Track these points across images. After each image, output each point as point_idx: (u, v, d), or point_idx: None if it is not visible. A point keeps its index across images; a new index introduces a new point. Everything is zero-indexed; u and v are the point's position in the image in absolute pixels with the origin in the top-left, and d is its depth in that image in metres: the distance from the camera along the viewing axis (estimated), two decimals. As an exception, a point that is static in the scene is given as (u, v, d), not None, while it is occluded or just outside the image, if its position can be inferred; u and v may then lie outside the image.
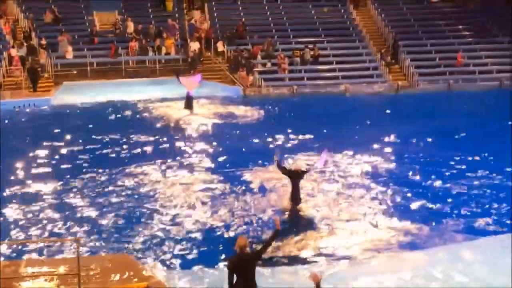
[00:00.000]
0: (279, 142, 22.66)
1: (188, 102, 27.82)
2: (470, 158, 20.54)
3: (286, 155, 20.09)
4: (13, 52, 33.52)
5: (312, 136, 23.39)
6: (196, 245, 14.36)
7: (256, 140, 23.27)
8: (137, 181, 18.66)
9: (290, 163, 19.27)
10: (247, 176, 18.99)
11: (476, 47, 36.99)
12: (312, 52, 35.54)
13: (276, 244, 13.83)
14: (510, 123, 24.96)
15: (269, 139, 23.29)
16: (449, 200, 17.00)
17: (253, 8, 39.40)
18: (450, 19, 38.96)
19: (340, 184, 18.19)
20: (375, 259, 13.71)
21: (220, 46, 35.69)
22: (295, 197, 16.48)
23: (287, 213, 16.21)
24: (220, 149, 22.09)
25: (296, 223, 15.65)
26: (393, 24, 38.44)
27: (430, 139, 23.06)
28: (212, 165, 20.08)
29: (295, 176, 16.61)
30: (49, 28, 36.14)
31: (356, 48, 37.03)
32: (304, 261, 13.55)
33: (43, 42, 34.42)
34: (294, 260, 13.60)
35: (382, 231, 15.01)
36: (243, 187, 17.94)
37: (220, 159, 20.79)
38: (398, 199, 17.07)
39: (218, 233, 15.02)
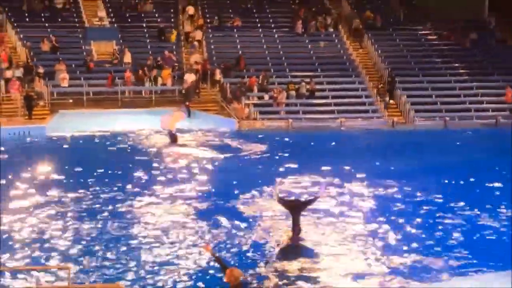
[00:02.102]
0: (274, 176, 22.71)
1: (171, 137, 28.56)
2: (465, 196, 20.62)
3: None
4: (8, 74, 33.76)
5: (306, 171, 23.45)
6: (190, 276, 14.38)
7: (248, 174, 23.35)
8: (129, 211, 18.72)
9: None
10: (241, 209, 19.10)
11: (472, 85, 37.33)
12: (308, 86, 35.84)
13: (277, 274, 14.02)
14: (506, 161, 25.12)
15: (262, 173, 23.40)
16: (443, 235, 17.10)
17: (250, 41, 39.81)
18: (446, 56, 39.40)
19: (336, 218, 18.28)
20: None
21: (217, 75, 35.99)
22: (295, 229, 16.65)
23: (287, 244, 16.35)
24: (211, 182, 22.18)
25: (297, 255, 15.73)
26: (389, 60, 38.85)
27: (425, 176, 23.17)
28: (204, 198, 20.13)
29: (295, 207, 16.79)
30: (46, 57, 36.47)
31: (352, 83, 37.35)
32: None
33: (40, 70, 34.68)
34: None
35: (383, 265, 15.10)
36: (237, 220, 18.01)
37: (211, 191, 20.87)
38: (394, 234, 17.15)
39: (212, 264, 15.04)
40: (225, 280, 9.84)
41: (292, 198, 18.42)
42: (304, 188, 20.83)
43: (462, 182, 22.34)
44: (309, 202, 17.70)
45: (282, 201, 17.59)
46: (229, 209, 19.07)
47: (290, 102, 35.55)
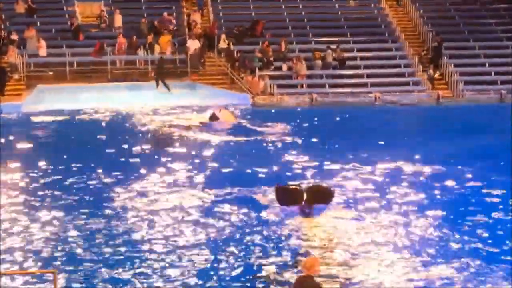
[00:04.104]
0: (293, 165, 22.79)
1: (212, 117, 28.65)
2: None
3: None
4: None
5: (333, 157, 23.50)
6: (199, 276, 14.57)
7: (264, 160, 23.41)
8: (125, 204, 18.85)
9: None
10: (255, 200, 19.26)
11: (534, 51, 37.18)
12: (335, 54, 35.79)
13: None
14: None
15: (280, 158, 23.49)
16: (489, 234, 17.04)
17: (265, 1, 39.78)
18: (503, 17, 39.15)
19: (365, 209, 18.41)
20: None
21: (222, 43, 36.00)
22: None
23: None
24: (220, 170, 22.28)
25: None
26: (433, 21, 38.68)
27: (476, 162, 23.11)
28: (212, 188, 20.22)
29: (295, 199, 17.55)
30: (21, 20, 36.56)
31: (388, 50, 37.27)
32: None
33: (14, 37, 34.79)
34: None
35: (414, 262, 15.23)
36: (249, 212, 18.18)
37: (220, 181, 20.95)
38: (432, 230, 17.18)
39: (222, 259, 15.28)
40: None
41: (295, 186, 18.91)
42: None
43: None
44: (317, 195, 18.20)
45: (280, 191, 18.24)
46: (241, 200, 19.19)
47: (314, 74, 35.54)
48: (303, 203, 17.99)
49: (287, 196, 18.39)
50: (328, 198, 18.49)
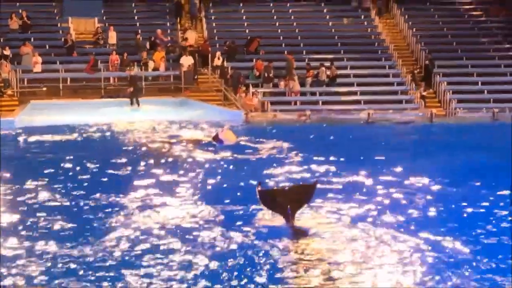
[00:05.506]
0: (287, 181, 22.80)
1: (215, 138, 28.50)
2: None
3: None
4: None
5: (326, 173, 23.53)
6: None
7: (257, 177, 23.36)
8: (118, 222, 18.81)
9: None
10: (248, 219, 19.24)
11: (527, 70, 37.35)
12: (328, 72, 35.89)
13: None
14: None
15: (274, 176, 23.49)
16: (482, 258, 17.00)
17: (259, 18, 39.93)
18: (495, 36, 39.34)
19: (366, 232, 18.35)
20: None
21: (217, 60, 36.12)
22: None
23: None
24: (212, 187, 22.21)
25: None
26: (426, 40, 38.88)
27: (469, 181, 23.13)
28: (207, 203, 20.22)
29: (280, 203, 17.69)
30: (15, 36, 36.63)
31: (382, 68, 37.43)
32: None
33: (7, 52, 34.84)
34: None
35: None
36: (245, 232, 18.15)
37: (211, 199, 20.83)
38: (423, 244, 17.19)
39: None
40: None
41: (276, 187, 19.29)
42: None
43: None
44: (299, 193, 18.43)
45: (263, 194, 18.38)
46: (234, 219, 19.15)
47: (307, 91, 35.64)
48: (287, 205, 18.05)
49: (270, 198, 18.57)
50: (310, 193, 18.64)
